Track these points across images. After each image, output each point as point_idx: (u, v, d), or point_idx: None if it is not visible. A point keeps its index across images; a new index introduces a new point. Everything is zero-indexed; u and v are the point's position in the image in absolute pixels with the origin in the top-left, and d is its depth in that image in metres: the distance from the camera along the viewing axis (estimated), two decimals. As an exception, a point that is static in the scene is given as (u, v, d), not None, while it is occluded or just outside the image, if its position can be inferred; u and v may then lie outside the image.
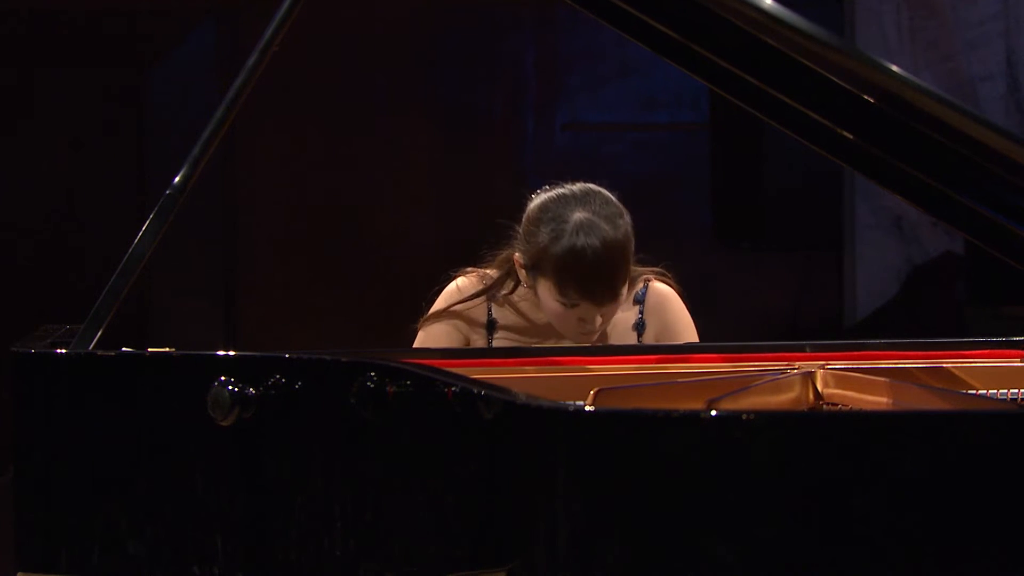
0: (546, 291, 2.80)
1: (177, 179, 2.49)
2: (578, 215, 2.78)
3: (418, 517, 2.15)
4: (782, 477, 1.92)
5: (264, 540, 2.25)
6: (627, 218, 2.83)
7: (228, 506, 2.27)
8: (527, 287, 2.88)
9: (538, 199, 2.87)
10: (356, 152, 6.53)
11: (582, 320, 2.79)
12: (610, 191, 2.88)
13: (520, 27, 6.70)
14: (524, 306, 2.93)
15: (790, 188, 6.56)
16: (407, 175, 6.54)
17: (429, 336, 2.94)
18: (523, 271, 2.85)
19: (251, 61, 2.55)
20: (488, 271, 2.96)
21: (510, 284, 2.93)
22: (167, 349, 2.36)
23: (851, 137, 2.39)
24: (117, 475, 2.31)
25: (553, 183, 2.90)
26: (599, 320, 2.79)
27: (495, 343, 2.92)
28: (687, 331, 2.96)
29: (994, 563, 1.91)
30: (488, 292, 2.93)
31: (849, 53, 2.27)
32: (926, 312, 6.54)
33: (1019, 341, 2.69)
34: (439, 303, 2.96)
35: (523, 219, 2.87)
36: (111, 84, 6.32)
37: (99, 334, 2.39)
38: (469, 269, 2.98)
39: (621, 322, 2.92)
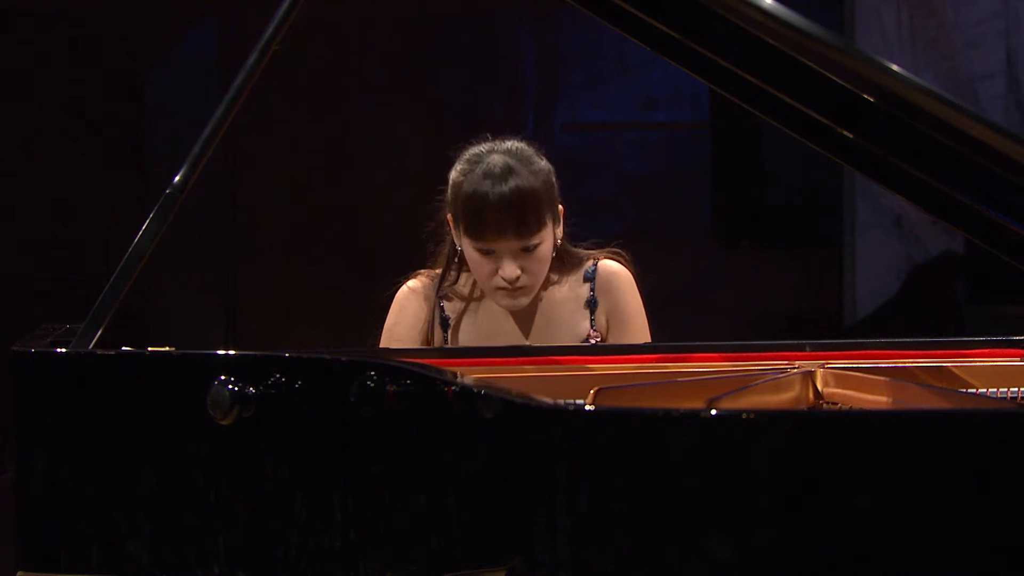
0: (464, 239, 2.83)
1: (177, 178, 2.49)
2: (494, 157, 2.86)
3: (418, 516, 2.15)
4: (782, 476, 1.92)
5: (264, 540, 2.25)
6: (548, 170, 2.88)
7: (228, 505, 2.27)
8: (458, 248, 2.89)
9: (465, 151, 2.94)
10: (356, 152, 6.52)
11: (497, 269, 2.79)
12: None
13: (520, 27, 6.70)
14: (465, 290, 2.95)
15: (790, 187, 6.56)
16: (407, 175, 6.54)
17: (393, 339, 2.96)
18: (452, 227, 2.88)
19: (251, 61, 2.55)
20: (435, 271, 2.98)
21: (452, 276, 2.95)
22: (167, 348, 2.36)
23: (851, 136, 2.39)
24: (117, 474, 2.31)
25: (484, 137, 2.95)
26: (515, 271, 2.79)
27: (451, 337, 2.94)
28: (634, 310, 2.97)
29: (994, 563, 1.91)
30: (437, 291, 2.95)
31: (849, 52, 2.27)
32: (926, 311, 6.54)
33: (1019, 340, 2.69)
34: (393, 308, 2.98)
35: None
36: (111, 84, 6.32)
37: (99, 333, 2.39)
38: (420, 271, 3.01)
39: (573, 299, 2.94)
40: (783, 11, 2.22)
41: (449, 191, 2.91)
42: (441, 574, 2.13)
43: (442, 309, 2.96)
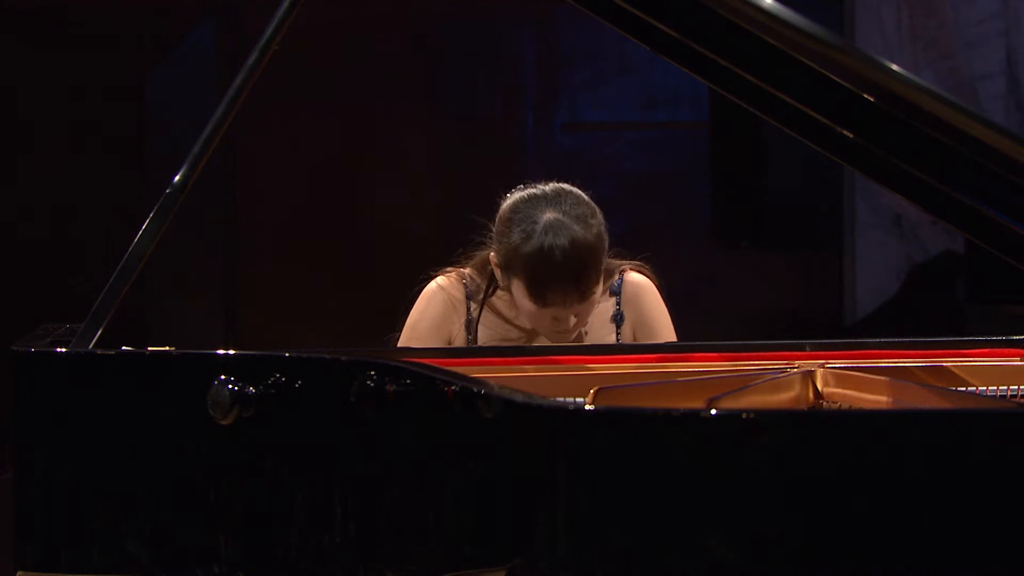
0: (519, 291, 2.80)
1: (177, 178, 2.49)
2: (548, 215, 2.78)
3: (418, 516, 2.15)
4: (782, 476, 1.92)
5: (264, 539, 2.25)
6: (599, 217, 2.83)
7: (228, 505, 2.27)
8: (503, 287, 2.88)
9: (510, 199, 2.87)
10: (356, 151, 6.53)
11: (556, 319, 2.79)
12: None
13: (520, 27, 6.70)
14: (502, 306, 2.93)
15: (790, 187, 6.57)
16: (407, 175, 6.54)
17: (415, 335, 2.94)
18: (498, 270, 2.85)
19: (251, 60, 2.55)
20: (466, 271, 2.96)
21: (488, 284, 2.93)
22: (167, 348, 2.36)
23: (851, 136, 2.39)
24: (117, 474, 2.31)
25: (527, 183, 2.91)
26: (572, 320, 2.79)
27: (472, 342, 2.93)
28: (662, 321, 2.96)
29: (994, 563, 1.91)
30: (472, 293, 2.94)
31: (849, 52, 2.27)
32: (926, 311, 6.54)
33: (1019, 340, 2.69)
34: (419, 304, 2.96)
35: (496, 219, 2.88)
36: (111, 84, 6.32)
37: (99, 333, 2.39)
38: (448, 269, 2.99)
39: (600, 314, 2.94)
40: (783, 11, 2.22)
41: (500, 243, 2.84)
42: (441, 574, 2.13)
43: (469, 312, 2.95)
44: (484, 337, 2.93)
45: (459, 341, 2.93)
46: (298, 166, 6.53)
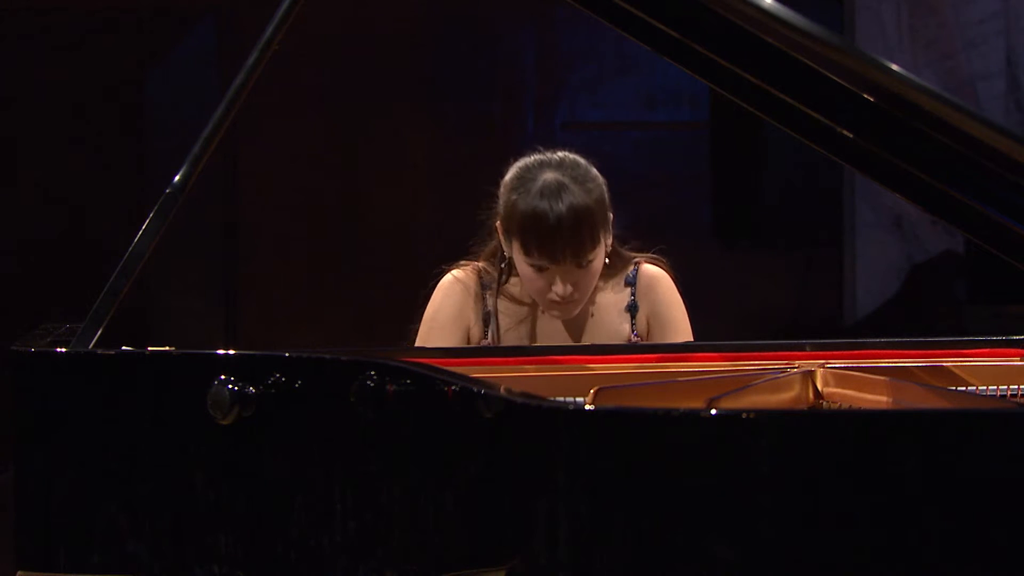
0: (517, 253, 2.82)
1: (177, 178, 2.49)
2: (548, 175, 2.81)
3: (418, 516, 2.15)
4: (782, 476, 1.92)
5: (264, 539, 2.25)
6: (601, 184, 2.85)
7: (228, 505, 2.27)
8: (508, 256, 2.89)
9: (516, 163, 2.89)
10: (356, 152, 6.53)
11: (551, 285, 2.79)
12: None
13: (520, 27, 6.70)
14: (516, 292, 2.94)
15: (790, 187, 6.57)
16: (407, 175, 6.54)
17: (435, 326, 2.94)
18: (502, 238, 2.87)
19: (251, 60, 2.55)
20: (479, 264, 2.97)
21: (504, 277, 2.94)
22: (167, 348, 2.36)
23: (851, 136, 2.39)
24: (117, 474, 2.31)
25: (536, 148, 2.92)
26: (568, 288, 2.80)
27: (494, 336, 2.93)
28: (677, 312, 2.97)
29: (994, 562, 1.91)
30: (488, 285, 2.95)
31: (849, 51, 2.26)
32: (926, 311, 6.54)
33: (1019, 340, 2.69)
34: (436, 296, 2.96)
35: (501, 184, 2.89)
36: (111, 84, 6.32)
37: (99, 333, 2.39)
38: (462, 262, 2.99)
39: (614, 304, 2.94)
40: (783, 11, 2.22)
41: (501, 204, 2.87)
42: (441, 574, 2.13)
43: (485, 304, 2.95)
44: (503, 323, 2.93)
45: (476, 333, 2.94)
46: (298, 166, 6.53)
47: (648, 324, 2.96)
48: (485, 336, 2.93)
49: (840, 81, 2.29)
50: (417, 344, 2.95)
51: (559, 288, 2.80)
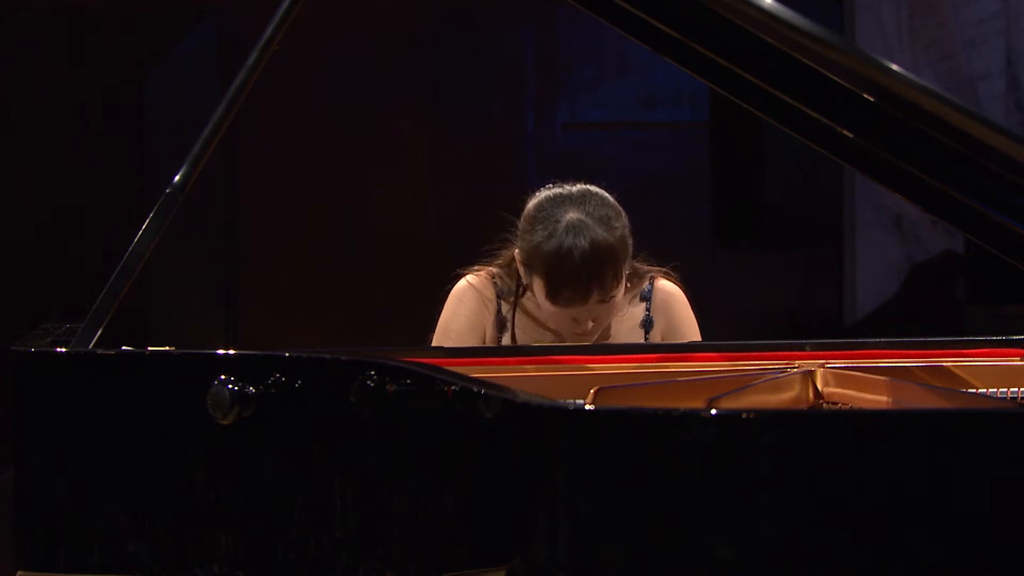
0: (539, 289, 2.80)
1: (177, 178, 2.49)
2: (571, 215, 2.78)
3: (418, 516, 2.15)
4: (782, 476, 1.92)
5: (264, 539, 2.25)
6: (624, 220, 2.82)
7: (228, 505, 2.27)
8: (526, 285, 2.88)
9: (536, 198, 2.87)
10: (356, 152, 6.53)
11: (575, 320, 2.79)
12: (610, 190, 2.88)
13: (520, 27, 6.70)
14: (532, 307, 2.93)
15: (790, 187, 6.56)
16: (407, 175, 6.54)
17: (451, 333, 2.93)
18: (522, 268, 2.85)
19: (251, 60, 2.55)
20: (494, 269, 2.96)
21: (519, 285, 2.93)
22: (167, 348, 2.36)
23: (851, 135, 2.39)
24: (117, 474, 2.31)
25: (554, 182, 2.90)
26: (591, 323, 2.79)
27: (505, 340, 2.92)
28: (691, 330, 2.96)
29: (994, 562, 1.91)
30: (502, 292, 2.94)
31: (849, 51, 2.26)
32: (926, 311, 6.54)
33: (1019, 340, 2.69)
34: (451, 302, 2.95)
35: (521, 217, 2.87)
36: (111, 84, 6.32)
37: (99, 333, 2.39)
38: (476, 267, 2.98)
39: (628, 319, 2.93)
40: (783, 11, 2.22)
41: (523, 240, 2.83)
42: (441, 574, 2.13)
43: (500, 311, 2.94)
44: (519, 338, 2.92)
45: (490, 339, 2.93)
46: (298, 166, 6.53)
47: (663, 339, 2.95)
48: (497, 343, 2.92)
49: (840, 81, 2.29)
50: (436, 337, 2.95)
51: (583, 326, 2.79)
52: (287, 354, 2.27)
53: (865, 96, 2.31)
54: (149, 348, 2.36)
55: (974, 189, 2.34)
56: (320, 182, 6.52)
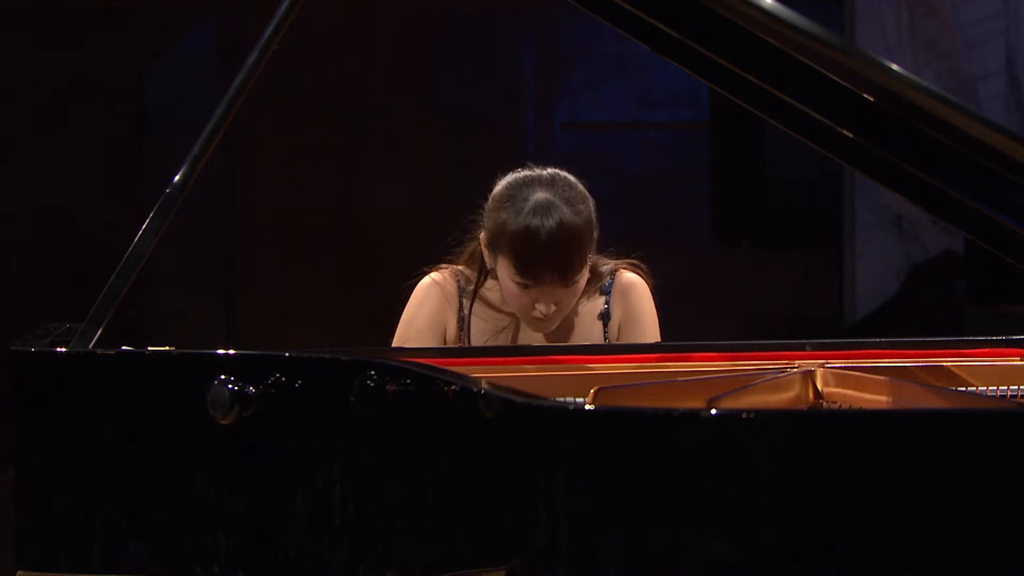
0: (503, 269, 2.82)
1: (177, 178, 2.49)
2: (539, 195, 2.81)
3: (418, 516, 2.15)
4: (782, 476, 1.92)
5: (264, 539, 2.25)
6: (590, 205, 2.85)
7: (228, 505, 2.27)
8: (491, 268, 2.89)
9: (505, 179, 2.89)
10: (356, 152, 6.52)
11: (536, 303, 2.80)
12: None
13: (520, 27, 6.70)
14: (492, 297, 2.95)
15: (790, 187, 6.56)
16: (407, 175, 6.54)
17: (413, 329, 2.95)
18: (486, 251, 2.87)
19: (251, 60, 2.55)
20: (458, 266, 2.98)
21: (482, 281, 2.95)
22: (167, 348, 2.36)
23: (851, 135, 2.39)
24: (117, 474, 2.31)
25: (525, 165, 2.92)
26: (551, 307, 2.80)
27: (466, 339, 2.93)
28: (649, 320, 2.97)
29: (994, 562, 1.91)
30: (464, 289, 2.95)
31: (849, 51, 2.27)
32: (926, 310, 6.54)
33: (1019, 340, 2.69)
34: (414, 299, 2.97)
35: (489, 198, 2.89)
36: (111, 84, 6.32)
37: (99, 333, 2.39)
38: (442, 265, 3.00)
39: (587, 312, 2.95)
40: (783, 11, 2.22)
41: (489, 219, 2.87)
42: (441, 574, 2.14)
43: (462, 308, 2.96)
44: (476, 327, 2.94)
45: (452, 335, 2.94)
46: (298, 166, 6.53)
47: (618, 330, 2.96)
48: (460, 340, 2.94)
49: (840, 81, 2.29)
50: (394, 345, 2.96)
51: (543, 307, 2.80)
52: (287, 354, 2.27)
53: (865, 96, 2.31)
54: (149, 348, 2.36)
55: (974, 189, 2.34)
56: (320, 182, 6.52)
